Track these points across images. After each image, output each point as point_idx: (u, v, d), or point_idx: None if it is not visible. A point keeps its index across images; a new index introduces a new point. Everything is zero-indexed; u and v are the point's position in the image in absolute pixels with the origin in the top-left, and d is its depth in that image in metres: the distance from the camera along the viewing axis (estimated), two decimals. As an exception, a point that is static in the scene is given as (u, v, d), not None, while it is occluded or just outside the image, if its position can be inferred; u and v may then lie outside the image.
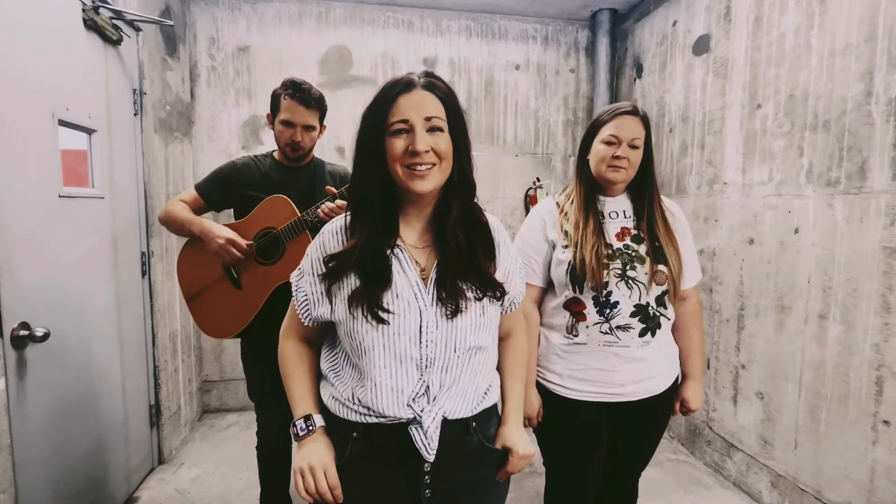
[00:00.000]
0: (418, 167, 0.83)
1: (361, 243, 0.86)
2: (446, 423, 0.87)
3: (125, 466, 2.07)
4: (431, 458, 0.85)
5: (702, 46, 2.43)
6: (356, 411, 0.88)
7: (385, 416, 0.86)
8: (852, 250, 1.72)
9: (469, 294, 0.88)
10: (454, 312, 0.86)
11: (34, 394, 1.52)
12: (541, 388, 1.33)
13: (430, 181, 0.84)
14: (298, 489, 0.86)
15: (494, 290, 0.90)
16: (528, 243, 1.34)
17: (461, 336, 0.87)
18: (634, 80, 3.00)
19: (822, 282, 1.83)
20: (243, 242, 1.52)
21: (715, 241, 2.36)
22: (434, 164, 0.84)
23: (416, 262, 0.89)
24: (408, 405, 0.85)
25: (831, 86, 1.79)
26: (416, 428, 0.85)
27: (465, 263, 0.88)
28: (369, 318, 0.84)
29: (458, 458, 0.90)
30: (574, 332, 1.28)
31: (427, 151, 0.82)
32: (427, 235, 0.92)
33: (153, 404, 2.32)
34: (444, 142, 0.84)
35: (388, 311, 0.84)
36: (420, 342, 0.85)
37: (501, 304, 0.95)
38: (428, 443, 0.84)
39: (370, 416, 0.87)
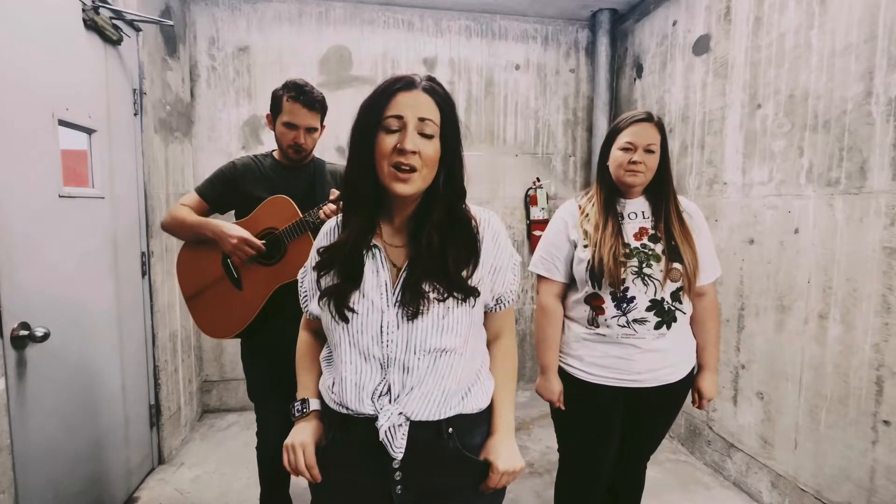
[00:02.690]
0: (402, 167, 0.82)
1: (345, 239, 0.88)
2: (415, 425, 0.87)
3: (125, 466, 2.07)
4: (397, 456, 0.86)
5: (702, 46, 2.43)
6: (334, 401, 0.91)
7: (350, 410, 0.88)
8: (852, 250, 1.72)
9: (431, 295, 0.85)
10: (413, 314, 0.85)
11: (34, 394, 1.52)
12: (562, 373, 1.44)
13: (411, 185, 0.84)
14: (284, 463, 0.92)
15: (460, 292, 0.87)
16: (551, 242, 1.44)
17: (421, 337, 0.86)
18: (634, 80, 3.00)
19: (822, 282, 1.83)
20: (257, 241, 1.53)
21: (715, 241, 2.35)
22: (416, 169, 0.83)
23: (393, 263, 0.89)
24: (371, 401, 0.87)
25: (831, 86, 1.79)
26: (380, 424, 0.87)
27: (433, 264, 0.86)
28: (334, 315, 0.88)
29: (431, 461, 0.89)
30: (595, 324, 1.38)
31: (414, 153, 0.82)
32: (403, 234, 0.92)
33: (153, 404, 2.31)
34: (431, 148, 0.84)
35: (352, 311, 0.87)
36: (381, 341, 0.87)
37: (473, 306, 0.90)
38: (391, 440, 0.85)
39: (340, 408, 0.90)
